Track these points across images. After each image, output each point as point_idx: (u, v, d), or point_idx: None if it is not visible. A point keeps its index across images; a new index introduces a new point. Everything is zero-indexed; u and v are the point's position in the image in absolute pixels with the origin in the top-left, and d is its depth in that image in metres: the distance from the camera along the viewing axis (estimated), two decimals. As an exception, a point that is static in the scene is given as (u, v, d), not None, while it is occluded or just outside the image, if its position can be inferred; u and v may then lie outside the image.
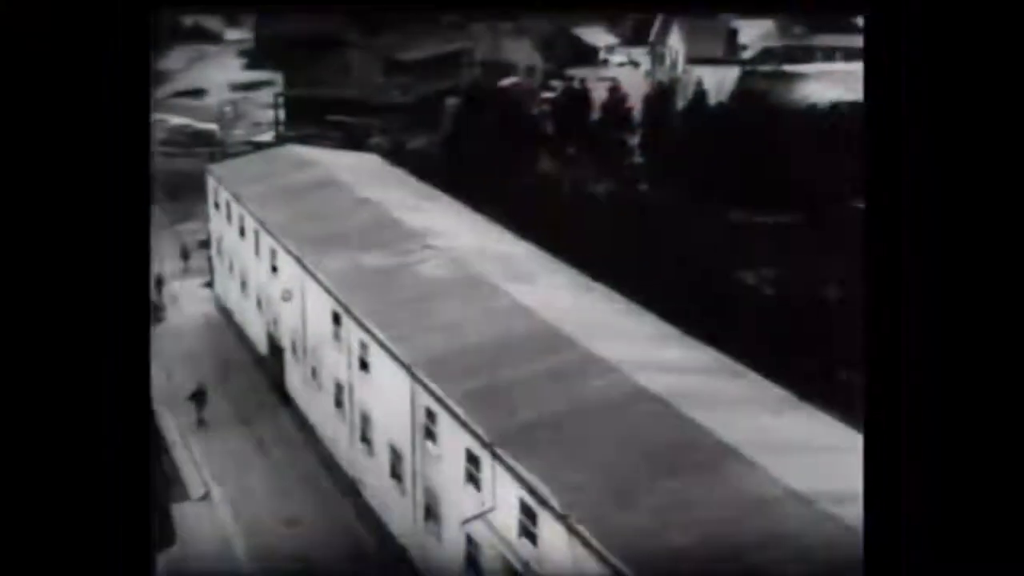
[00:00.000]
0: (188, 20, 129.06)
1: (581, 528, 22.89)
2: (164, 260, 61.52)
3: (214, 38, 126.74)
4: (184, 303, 55.61)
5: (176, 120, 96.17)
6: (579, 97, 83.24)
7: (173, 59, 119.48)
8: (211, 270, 56.56)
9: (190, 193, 70.95)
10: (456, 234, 42.80)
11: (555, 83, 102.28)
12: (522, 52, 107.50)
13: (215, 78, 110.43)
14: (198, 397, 43.52)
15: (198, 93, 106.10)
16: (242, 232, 48.70)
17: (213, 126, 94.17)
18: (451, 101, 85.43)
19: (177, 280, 58.40)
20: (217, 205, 53.51)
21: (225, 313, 53.47)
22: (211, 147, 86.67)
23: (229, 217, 51.04)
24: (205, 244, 59.79)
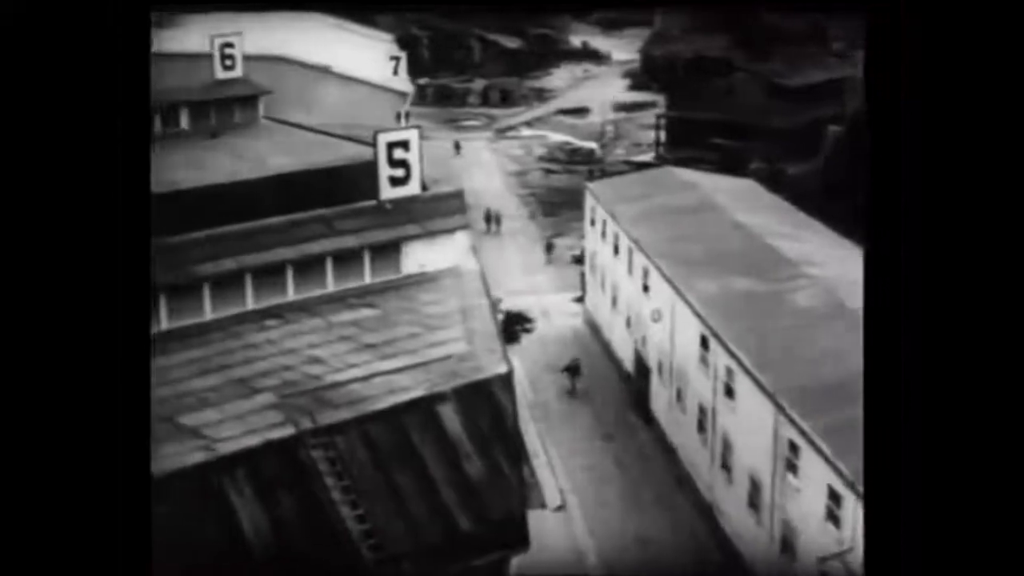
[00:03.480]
0: (576, 40, 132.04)
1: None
2: (535, 272, 63.13)
3: (602, 58, 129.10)
4: (554, 316, 56.76)
5: (557, 137, 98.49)
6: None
7: (559, 77, 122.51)
8: (583, 285, 57.51)
9: (566, 209, 72.50)
10: (831, 264, 41.70)
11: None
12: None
13: (599, 97, 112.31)
14: (572, 369, 46.70)
15: (581, 111, 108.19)
16: (616, 250, 49.26)
17: (593, 144, 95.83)
18: (833, 129, 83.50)
19: (548, 294, 59.73)
20: (593, 222, 54.37)
21: (594, 328, 54.23)
22: (590, 165, 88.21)
23: (604, 234, 51.75)
24: (579, 260, 60.88)
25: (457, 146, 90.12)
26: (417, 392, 24.32)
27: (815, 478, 27.86)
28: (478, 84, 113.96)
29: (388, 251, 31.53)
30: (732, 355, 33.91)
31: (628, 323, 47.40)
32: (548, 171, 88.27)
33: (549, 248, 65.84)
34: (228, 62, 48.40)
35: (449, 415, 24.07)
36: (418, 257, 31.88)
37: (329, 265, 30.39)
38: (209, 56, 48.64)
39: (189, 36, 60.56)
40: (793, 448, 29.23)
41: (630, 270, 46.76)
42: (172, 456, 21.42)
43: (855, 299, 36.68)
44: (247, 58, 49.02)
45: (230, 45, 48.82)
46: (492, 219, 70.05)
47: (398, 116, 57.81)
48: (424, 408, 24.00)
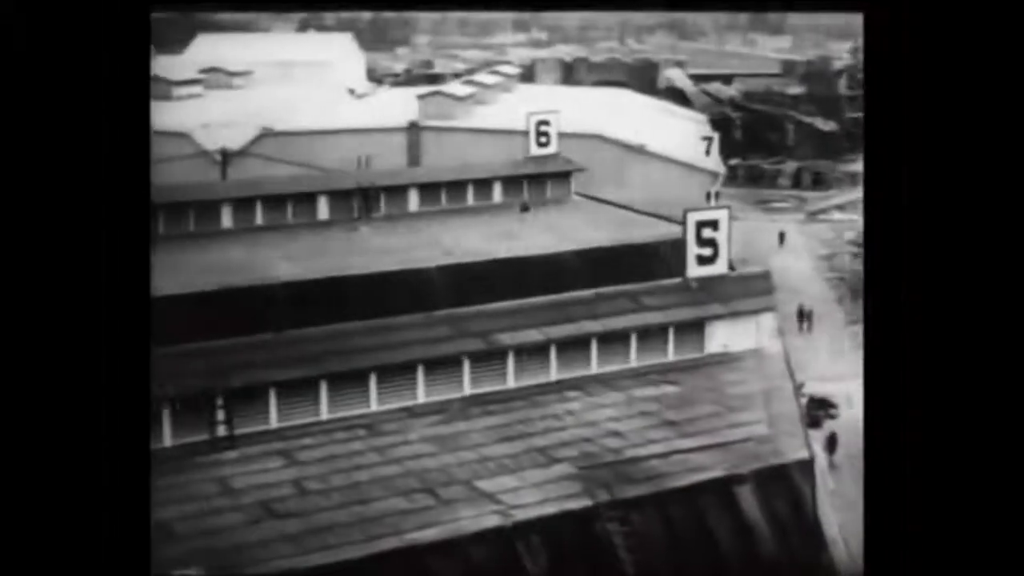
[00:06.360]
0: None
1: None
2: (841, 358, 61.48)
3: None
4: (859, 403, 54.97)
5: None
6: None
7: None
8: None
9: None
10: None
11: None
12: None
13: None
14: None
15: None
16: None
17: None
18: None
19: (854, 380, 57.93)
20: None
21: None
22: None
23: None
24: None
25: (782, 238, 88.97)
26: (715, 472, 24.05)
27: None
28: (790, 166, 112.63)
29: (692, 329, 31.45)
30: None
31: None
32: (858, 255, 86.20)
33: None
34: (543, 139, 49.58)
35: (747, 498, 23.68)
36: (722, 337, 31.65)
37: (633, 340, 30.53)
38: (525, 132, 49.98)
39: (503, 113, 62.63)
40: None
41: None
42: (468, 519, 21.89)
43: None
44: (562, 135, 50.11)
45: (546, 123, 50.03)
46: (805, 316, 68.57)
47: (708, 196, 57.86)
48: (722, 489, 23.70)
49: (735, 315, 31.92)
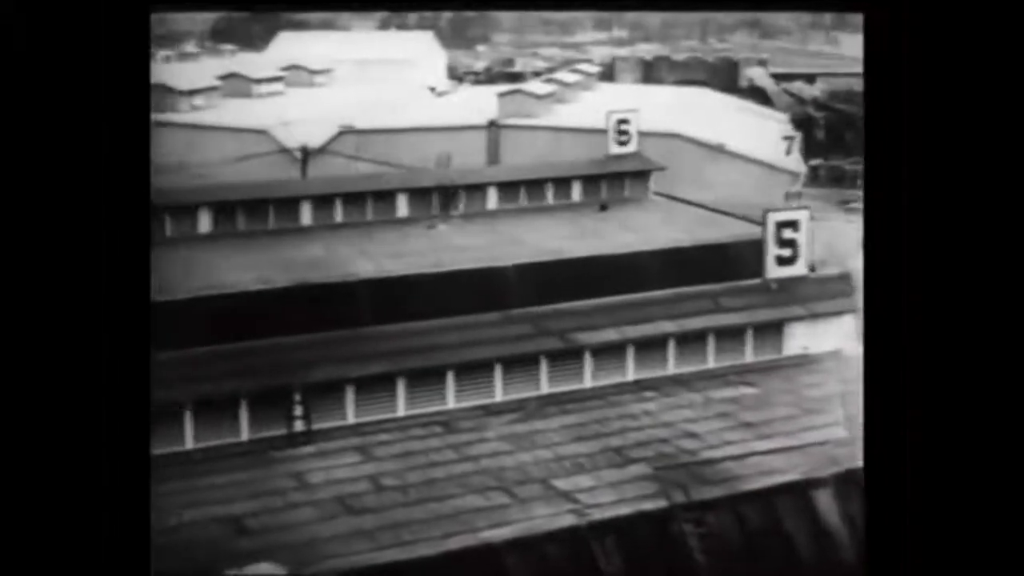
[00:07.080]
0: None
1: None
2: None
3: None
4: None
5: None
6: None
7: None
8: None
9: None
10: None
11: None
12: None
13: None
14: None
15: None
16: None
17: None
18: None
19: None
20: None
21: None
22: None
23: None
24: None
25: None
26: (792, 476, 23.80)
27: None
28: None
29: (770, 331, 31.19)
30: None
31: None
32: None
33: None
34: (623, 138, 49.45)
35: (826, 502, 23.40)
36: (801, 339, 31.35)
37: (711, 341, 30.33)
38: (604, 131, 49.84)
39: (583, 112, 62.54)
40: None
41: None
42: (544, 518, 21.86)
43: None
44: (642, 134, 49.91)
45: (626, 121, 49.87)
46: None
47: (788, 196, 57.35)
48: (799, 493, 23.44)
49: (815, 317, 31.62)
